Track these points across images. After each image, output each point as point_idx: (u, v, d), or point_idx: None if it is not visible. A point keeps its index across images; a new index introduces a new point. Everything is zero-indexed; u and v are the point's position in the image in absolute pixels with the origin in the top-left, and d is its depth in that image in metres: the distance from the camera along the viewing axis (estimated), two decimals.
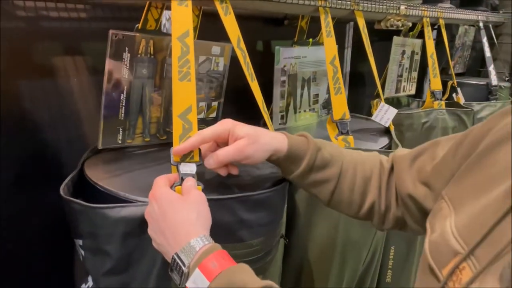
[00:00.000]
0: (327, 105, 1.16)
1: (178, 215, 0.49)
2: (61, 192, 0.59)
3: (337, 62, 0.90)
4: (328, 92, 1.15)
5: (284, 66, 0.98)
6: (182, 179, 0.56)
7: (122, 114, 0.70)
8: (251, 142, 0.57)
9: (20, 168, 0.79)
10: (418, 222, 0.59)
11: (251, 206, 0.62)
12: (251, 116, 0.79)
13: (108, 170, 0.67)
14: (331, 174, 0.62)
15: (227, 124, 0.58)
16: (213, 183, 0.65)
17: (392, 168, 0.63)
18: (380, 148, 0.95)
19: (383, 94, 1.37)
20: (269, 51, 1.20)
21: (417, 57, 1.52)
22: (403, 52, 1.42)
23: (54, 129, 0.84)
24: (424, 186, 0.56)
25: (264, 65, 0.99)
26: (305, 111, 1.08)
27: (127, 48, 0.67)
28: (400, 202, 0.61)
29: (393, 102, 1.55)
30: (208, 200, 0.56)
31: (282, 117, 1.02)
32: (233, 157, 0.58)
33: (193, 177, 0.57)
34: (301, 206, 0.84)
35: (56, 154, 0.84)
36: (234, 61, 0.85)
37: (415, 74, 1.54)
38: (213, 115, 0.87)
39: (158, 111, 0.76)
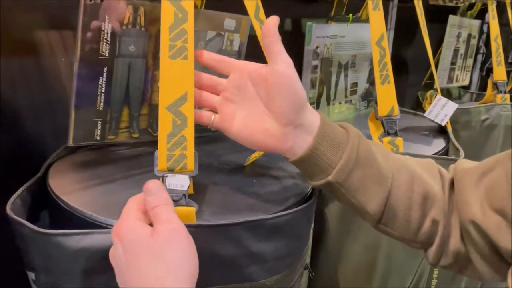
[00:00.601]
0: (368, 96, 0.96)
1: (147, 265, 0.33)
2: (8, 208, 0.43)
3: (385, 43, 0.71)
4: (369, 80, 0.95)
5: (317, 47, 0.79)
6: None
7: (101, 103, 0.54)
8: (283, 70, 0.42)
9: None
10: (487, 261, 0.42)
11: (265, 234, 0.45)
12: None
13: (78, 178, 0.51)
14: (382, 171, 0.44)
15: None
16: (212, 200, 0.48)
17: (452, 185, 0.46)
18: (434, 154, 0.76)
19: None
20: (299, 31, 1.01)
21: (474, 42, 1.30)
22: (459, 35, 1.20)
23: (36, 119, 0.68)
24: (497, 215, 0.40)
25: (292, 48, 0.81)
26: (340, 103, 0.89)
27: (107, 17, 0.50)
28: (464, 231, 0.44)
29: (442, 94, 1.33)
30: (204, 227, 0.41)
31: None
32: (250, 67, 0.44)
33: (184, 196, 0.41)
34: (331, 223, 0.68)
35: (38, 150, 0.69)
36: (253, 39, 0.68)
37: (470, 62, 1.31)
38: None
39: (150, 100, 0.59)
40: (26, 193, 0.47)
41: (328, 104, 0.86)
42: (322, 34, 0.79)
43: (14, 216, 0.42)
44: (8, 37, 0.63)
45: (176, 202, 0.41)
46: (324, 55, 0.81)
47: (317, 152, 0.42)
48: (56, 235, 0.40)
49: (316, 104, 0.83)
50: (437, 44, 1.22)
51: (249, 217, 0.44)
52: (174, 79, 0.41)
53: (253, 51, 0.69)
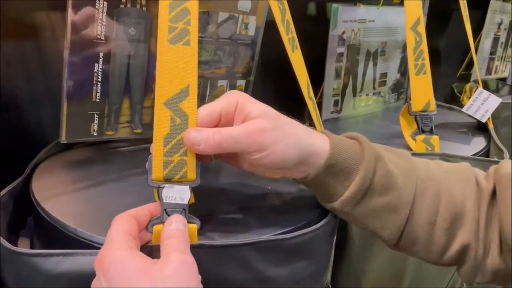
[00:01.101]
0: (398, 88, 0.88)
1: None
2: None
3: (421, 28, 0.62)
4: (400, 70, 0.86)
5: (343, 32, 0.71)
6: (167, 214, 0.34)
7: (98, 94, 0.47)
8: (270, 127, 0.35)
9: None
10: None
11: (281, 257, 0.38)
12: (295, 102, 0.55)
13: (66, 180, 0.45)
14: (400, 199, 0.39)
15: (232, 96, 0.36)
16: (217, 212, 0.41)
17: (494, 193, 0.40)
18: (474, 155, 0.67)
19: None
20: (323, 16, 0.93)
21: None
22: (500, 22, 1.09)
23: (37, 106, 0.63)
24: None
25: (316, 34, 0.74)
26: (367, 95, 0.81)
27: None
28: (505, 247, 0.39)
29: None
30: (208, 247, 0.34)
31: (335, 102, 0.75)
32: (239, 143, 0.35)
33: (184, 210, 0.34)
34: (354, 231, 0.61)
35: (38, 139, 0.64)
36: (271, 24, 0.60)
37: (510, 52, 1.20)
38: None
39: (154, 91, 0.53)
40: (7, 197, 0.42)
41: (354, 96, 0.78)
42: (349, 18, 0.70)
43: None
44: (5, 19, 0.58)
45: None
46: (351, 41, 0.73)
47: (322, 180, 0.38)
48: (31, 255, 0.33)
49: (341, 96, 0.75)
50: (473, 32, 1.11)
51: (262, 235, 0.38)
52: (173, 68, 0.34)
53: (271, 37, 0.62)
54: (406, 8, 0.61)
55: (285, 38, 0.47)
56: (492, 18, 1.04)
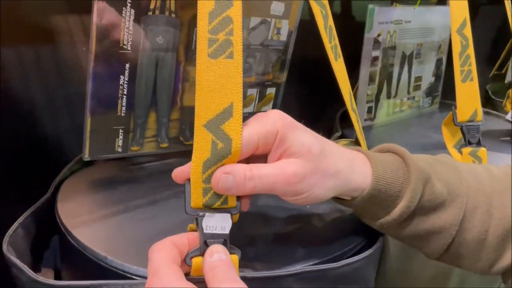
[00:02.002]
0: (432, 92, 0.83)
1: None
2: (4, 244, 0.35)
3: (468, 30, 0.57)
4: (434, 74, 0.81)
5: (379, 35, 0.66)
6: (206, 245, 0.30)
7: (123, 108, 0.44)
8: (310, 171, 0.31)
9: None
10: None
11: (326, 286, 0.34)
12: (326, 112, 0.50)
13: (93, 202, 0.42)
14: (447, 220, 0.36)
15: (272, 124, 0.31)
16: (254, 238, 0.38)
17: None
18: None
19: (506, 76, 1.01)
20: (349, 15, 0.88)
21: None
22: None
23: (52, 115, 0.59)
24: None
25: (346, 35, 0.69)
26: (402, 100, 0.76)
27: (129, 1, 0.40)
28: None
29: (509, 87, 1.16)
30: (251, 279, 0.31)
31: (369, 109, 0.70)
32: (274, 190, 0.31)
33: (225, 241, 0.30)
34: (393, 249, 0.57)
35: (55, 150, 0.60)
36: (302, 25, 0.56)
37: None
38: (268, 107, 0.59)
39: (181, 102, 0.49)
40: (30, 219, 0.38)
41: (388, 102, 0.74)
42: (385, 19, 0.65)
43: (11, 257, 0.33)
44: (19, 23, 0.54)
45: None
46: (387, 44, 0.68)
47: (362, 207, 0.36)
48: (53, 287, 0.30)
49: (375, 102, 0.71)
50: (496, 31, 1.05)
51: (305, 262, 0.34)
52: (215, 86, 0.30)
53: (302, 41, 0.58)
54: (452, 9, 0.56)
55: (328, 46, 0.42)
56: None
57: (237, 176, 0.29)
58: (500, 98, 0.99)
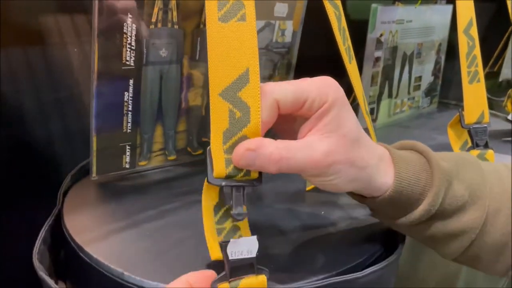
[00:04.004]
0: (431, 91, 0.82)
1: None
2: (35, 260, 0.33)
3: (474, 30, 0.56)
4: (433, 73, 0.81)
5: (381, 35, 0.64)
6: (231, 272, 0.28)
7: (129, 124, 0.41)
8: (341, 159, 0.29)
9: None
10: None
11: None
12: None
13: (101, 215, 0.39)
14: (467, 223, 0.34)
15: (327, 88, 0.29)
16: (273, 248, 0.36)
17: None
18: None
19: (500, 74, 1.01)
20: (347, 14, 0.86)
21: None
22: None
23: (46, 120, 0.57)
24: None
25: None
26: (402, 100, 0.75)
27: (129, 15, 0.37)
28: None
29: (501, 85, 1.16)
30: None
31: (371, 111, 0.69)
32: (301, 170, 0.29)
33: (252, 264, 0.29)
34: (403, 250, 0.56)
35: (51, 157, 0.57)
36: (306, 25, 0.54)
37: None
38: None
39: (187, 113, 0.47)
40: (47, 234, 0.36)
41: (390, 103, 0.72)
42: (388, 19, 0.64)
43: (43, 275, 0.32)
44: (8, 23, 0.51)
45: (242, 274, 0.29)
46: (389, 44, 0.67)
47: (380, 208, 0.35)
48: None
49: (377, 103, 0.70)
50: (487, 28, 1.05)
51: (328, 272, 0.33)
52: (228, 51, 0.28)
53: (307, 42, 0.56)
54: (458, 9, 0.55)
55: (342, 48, 0.41)
56: None
57: (262, 156, 0.27)
58: (494, 97, 0.99)
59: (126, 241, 0.36)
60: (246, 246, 0.29)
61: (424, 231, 0.35)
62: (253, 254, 0.29)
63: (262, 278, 0.29)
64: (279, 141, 0.28)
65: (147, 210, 0.40)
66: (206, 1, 0.28)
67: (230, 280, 0.28)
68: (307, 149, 0.28)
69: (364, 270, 0.33)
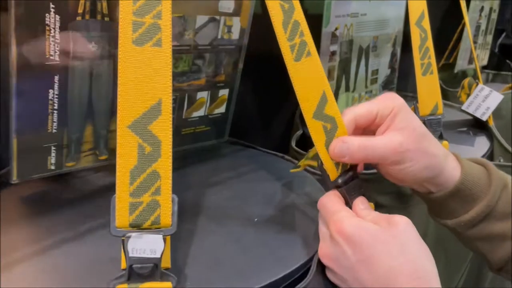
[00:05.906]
0: (389, 84, 0.81)
1: (390, 262, 0.30)
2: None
3: (426, 22, 0.56)
4: (390, 66, 0.80)
5: (336, 29, 0.63)
6: (134, 271, 0.26)
7: (55, 124, 0.38)
8: (413, 147, 0.35)
9: None
10: None
11: None
12: (284, 110, 0.47)
13: (21, 237, 0.35)
14: None
15: (390, 100, 0.36)
16: (196, 256, 0.33)
17: None
18: (482, 157, 0.62)
19: (455, 65, 1.02)
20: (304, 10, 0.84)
21: (494, 16, 1.15)
22: (481, 9, 1.05)
23: None
24: None
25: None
26: (360, 94, 0.74)
27: (52, 6, 0.34)
28: None
29: (457, 76, 1.18)
30: None
31: None
32: (382, 159, 0.35)
33: (156, 265, 0.27)
34: None
35: None
36: (258, 21, 0.51)
37: (489, 39, 1.17)
38: (221, 109, 0.55)
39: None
40: None
41: (347, 97, 0.71)
42: (342, 13, 0.63)
43: None
44: None
45: (141, 278, 0.26)
46: (344, 37, 0.65)
47: (444, 202, 0.38)
48: None
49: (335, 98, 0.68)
50: (441, 20, 1.07)
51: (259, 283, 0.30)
52: (140, 78, 0.26)
53: (257, 35, 0.54)
54: (410, 1, 0.54)
55: (285, 45, 0.38)
56: (475, 5, 1.00)
57: (352, 145, 0.33)
58: (451, 88, 1.00)
59: (44, 266, 0.31)
60: (150, 245, 0.26)
61: (477, 231, 0.38)
62: (157, 255, 0.26)
63: (167, 285, 0.26)
64: (363, 137, 0.34)
65: (75, 227, 0.36)
66: (120, 21, 0.26)
67: (128, 281, 0.26)
68: (386, 140, 0.34)
69: None
